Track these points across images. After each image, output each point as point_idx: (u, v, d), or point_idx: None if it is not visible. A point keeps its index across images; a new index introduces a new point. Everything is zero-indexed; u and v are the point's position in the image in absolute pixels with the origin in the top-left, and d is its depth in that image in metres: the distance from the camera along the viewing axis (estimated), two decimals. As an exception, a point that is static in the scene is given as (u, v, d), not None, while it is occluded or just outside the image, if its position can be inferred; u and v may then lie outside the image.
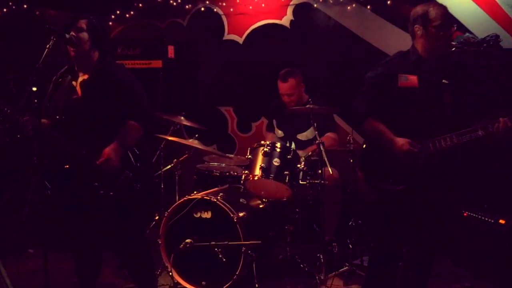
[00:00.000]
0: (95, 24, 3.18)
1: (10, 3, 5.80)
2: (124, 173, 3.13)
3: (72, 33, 3.10)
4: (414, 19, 3.04)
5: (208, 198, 3.79)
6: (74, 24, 3.13)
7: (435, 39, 2.97)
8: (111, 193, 3.09)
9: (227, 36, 5.89)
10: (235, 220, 3.68)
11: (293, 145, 4.54)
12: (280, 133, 4.80)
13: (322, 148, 3.87)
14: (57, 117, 3.15)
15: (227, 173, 4.45)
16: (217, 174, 4.48)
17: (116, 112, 3.13)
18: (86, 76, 3.19)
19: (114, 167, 3.07)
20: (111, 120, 3.13)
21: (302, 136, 4.65)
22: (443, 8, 3.00)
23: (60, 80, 3.27)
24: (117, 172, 3.11)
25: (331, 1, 5.37)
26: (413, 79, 2.97)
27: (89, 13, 3.24)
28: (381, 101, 3.06)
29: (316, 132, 3.99)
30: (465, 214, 4.19)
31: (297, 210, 4.27)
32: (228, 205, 3.76)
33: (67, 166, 3.10)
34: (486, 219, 3.99)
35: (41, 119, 2.93)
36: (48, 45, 2.88)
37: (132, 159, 3.20)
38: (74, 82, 3.20)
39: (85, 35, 3.13)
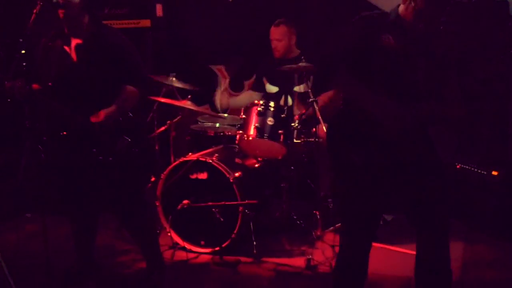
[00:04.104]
0: None
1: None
2: (121, 138, 3.12)
3: None
4: None
5: (204, 159, 3.80)
6: None
7: (419, 16, 2.74)
8: (110, 159, 3.09)
9: (216, -7, 5.76)
10: (231, 180, 3.71)
11: (289, 100, 4.53)
12: (273, 88, 4.74)
13: (316, 107, 3.86)
14: (50, 83, 3.11)
15: (221, 133, 4.44)
16: (211, 134, 4.49)
17: (112, 77, 3.10)
18: (79, 41, 3.12)
19: (110, 131, 3.06)
20: (108, 85, 3.10)
21: (299, 88, 4.58)
22: None
23: (50, 44, 3.21)
24: (115, 137, 3.10)
25: (324, -47, 5.24)
26: (391, 39, 2.77)
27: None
28: (359, 56, 2.84)
29: (309, 90, 3.97)
30: (457, 167, 4.26)
31: (292, 168, 4.30)
32: (224, 166, 3.78)
33: (64, 133, 3.08)
34: (479, 171, 4.05)
35: (31, 83, 2.90)
36: (35, 10, 2.82)
37: (129, 123, 3.18)
38: (66, 47, 3.13)
39: None
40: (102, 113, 3.04)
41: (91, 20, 3.16)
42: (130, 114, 3.21)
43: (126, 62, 3.16)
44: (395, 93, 2.82)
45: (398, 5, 2.94)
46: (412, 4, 2.78)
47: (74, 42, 3.14)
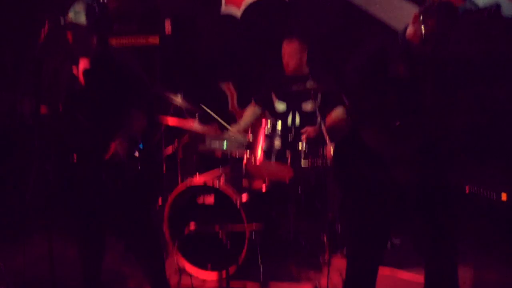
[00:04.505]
0: (93, 8, 3.09)
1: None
2: (131, 164, 3.12)
3: (68, 17, 3.02)
4: (422, 7, 2.80)
5: (211, 184, 3.79)
6: (72, 6, 3.06)
7: (426, 40, 2.75)
8: (119, 186, 3.09)
9: (224, 9, 5.76)
10: (238, 205, 3.69)
11: (297, 119, 4.50)
12: (281, 107, 4.70)
13: (323, 128, 3.84)
14: (60, 107, 3.11)
15: (229, 154, 4.42)
16: (219, 155, 4.47)
17: (120, 101, 3.10)
18: (87, 63, 3.12)
19: (121, 160, 3.06)
20: (115, 109, 3.10)
21: (307, 106, 4.55)
22: (447, 13, 2.75)
23: (58, 66, 3.21)
24: (125, 163, 3.10)
25: (331, -28, 5.23)
26: (399, 66, 2.79)
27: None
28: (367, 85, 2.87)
29: (317, 110, 3.95)
30: (467, 190, 4.20)
31: (299, 190, 4.27)
32: (230, 189, 3.77)
33: (74, 158, 3.09)
34: (488, 194, 4.00)
35: (40, 106, 2.90)
36: (43, 31, 2.82)
37: (138, 148, 3.18)
38: (75, 70, 3.14)
39: (81, 19, 3.04)
40: (113, 146, 3.04)
41: (99, 42, 3.16)
42: (140, 139, 3.21)
43: (133, 85, 3.16)
44: (404, 118, 2.81)
45: (405, 29, 2.92)
46: (421, 26, 2.77)
47: (82, 64, 3.14)
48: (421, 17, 2.75)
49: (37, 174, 3.24)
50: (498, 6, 4.38)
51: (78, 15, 3.02)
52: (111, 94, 3.10)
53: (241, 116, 5.40)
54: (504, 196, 3.94)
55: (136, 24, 5.57)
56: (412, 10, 3.09)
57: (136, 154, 3.18)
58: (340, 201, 4.16)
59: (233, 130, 4.53)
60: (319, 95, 4.39)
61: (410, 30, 2.86)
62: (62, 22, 2.97)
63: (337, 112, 4.34)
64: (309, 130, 4.18)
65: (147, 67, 3.35)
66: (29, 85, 2.88)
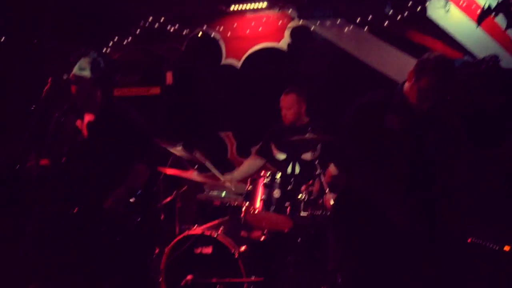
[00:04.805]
0: (99, 62, 3.14)
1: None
2: (131, 217, 3.10)
3: (73, 73, 3.08)
4: (417, 62, 2.85)
5: (209, 233, 3.75)
6: (78, 61, 3.12)
7: (423, 97, 2.81)
8: (118, 238, 3.06)
9: (225, 61, 5.88)
10: (237, 256, 3.64)
11: (297, 168, 4.50)
12: (281, 156, 4.73)
13: (322, 179, 3.82)
14: (63, 160, 3.12)
15: (227, 204, 4.41)
16: (217, 204, 4.45)
17: (123, 154, 3.11)
18: (91, 117, 3.16)
19: (120, 213, 3.05)
20: (118, 162, 3.11)
21: (307, 156, 4.55)
22: (443, 71, 2.79)
23: (62, 119, 3.24)
24: (125, 216, 3.08)
25: (328, 24, 5.36)
26: (395, 121, 2.82)
27: (86, 41, 3.22)
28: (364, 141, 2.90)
29: (316, 162, 3.94)
30: (469, 241, 4.14)
31: (299, 240, 4.21)
32: (229, 240, 3.73)
33: (75, 210, 3.07)
34: (491, 245, 3.93)
35: (40, 159, 2.92)
36: (46, 87, 2.88)
37: (138, 201, 3.17)
38: (78, 123, 3.17)
39: (86, 73, 3.09)
40: (111, 199, 3.04)
41: (103, 95, 3.19)
42: (140, 191, 3.21)
43: (137, 139, 3.18)
44: (402, 174, 2.79)
45: (403, 83, 2.95)
46: (416, 84, 2.79)
47: (87, 117, 3.17)
48: (416, 76, 2.78)
49: (35, 225, 3.23)
50: (496, 58, 4.45)
51: (83, 69, 3.08)
52: (114, 147, 3.12)
53: (239, 164, 5.43)
54: (507, 248, 3.88)
55: (138, 75, 5.68)
56: (408, 60, 3.14)
57: (132, 199, 3.16)
58: (340, 251, 4.10)
59: (226, 179, 4.52)
60: (318, 146, 4.41)
61: (406, 86, 2.89)
62: (65, 77, 3.03)
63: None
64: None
65: (148, 117, 3.39)
66: (32, 138, 2.91)
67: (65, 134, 3.20)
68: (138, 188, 3.20)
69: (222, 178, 4.46)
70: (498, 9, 4.22)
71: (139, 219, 3.15)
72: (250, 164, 4.84)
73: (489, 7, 4.17)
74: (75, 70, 3.09)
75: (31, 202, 3.14)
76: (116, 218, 3.08)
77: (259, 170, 4.62)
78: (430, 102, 2.84)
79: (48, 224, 3.25)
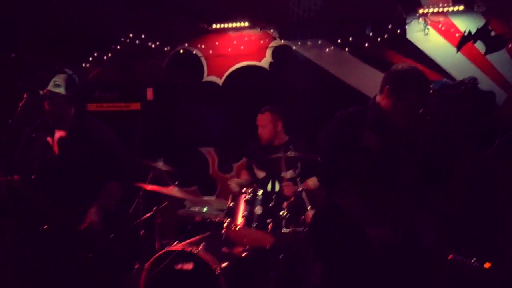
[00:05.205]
0: (74, 79, 3.12)
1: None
2: (104, 234, 3.04)
3: (48, 88, 3.04)
4: (390, 76, 2.82)
5: (189, 249, 3.70)
6: (52, 78, 3.08)
7: (398, 113, 2.77)
8: (90, 255, 2.99)
9: (206, 78, 5.90)
10: (218, 272, 3.59)
11: (277, 186, 4.50)
12: (261, 174, 4.74)
13: (304, 196, 3.83)
14: (32, 176, 3.06)
15: (209, 219, 4.37)
16: (199, 220, 4.40)
17: (94, 171, 3.07)
18: (63, 133, 3.11)
19: (96, 231, 2.99)
20: (90, 179, 3.06)
21: (286, 175, 4.58)
22: (425, 84, 2.78)
23: (33, 135, 3.18)
24: (97, 233, 3.03)
25: (310, 44, 5.43)
26: (371, 136, 2.74)
27: (65, 56, 3.19)
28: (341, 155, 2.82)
29: (298, 179, 3.95)
30: (449, 257, 4.17)
31: (280, 257, 4.19)
32: (210, 256, 3.68)
33: (46, 227, 3.00)
34: (471, 263, 3.96)
35: (13, 176, 2.85)
36: (21, 103, 2.83)
37: (111, 217, 3.12)
38: (49, 139, 3.12)
39: (61, 90, 3.07)
40: (87, 218, 2.98)
41: (76, 113, 3.16)
42: (113, 208, 3.16)
43: (109, 156, 3.14)
44: (378, 187, 2.79)
45: (374, 98, 2.93)
46: (400, 100, 2.79)
47: (58, 134, 3.13)
48: (395, 91, 2.76)
49: (9, 243, 3.14)
50: (475, 80, 4.55)
51: (57, 86, 3.05)
52: (85, 165, 3.07)
53: (221, 180, 5.39)
54: (487, 265, 3.91)
55: (118, 91, 5.63)
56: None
57: (110, 223, 3.11)
58: (321, 267, 4.08)
59: (233, 181, 4.61)
60: (299, 164, 4.42)
61: (384, 103, 2.86)
62: (41, 93, 2.99)
63: (313, 180, 4.39)
64: (285, 186, 4.16)
65: (128, 133, 3.35)
66: (4, 153, 2.85)
67: (35, 150, 3.14)
68: (111, 206, 3.15)
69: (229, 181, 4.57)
70: (477, 35, 4.34)
71: (112, 235, 3.09)
72: (247, 175, 4.87)
73: (469, 33, 4.29)
74: (50, 86, 3.05)
75: (4, 219, 3.07)
76: (89, 236, 3.01)
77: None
78: (404, 120, 2.84)
79: (20, 242, 3.17)
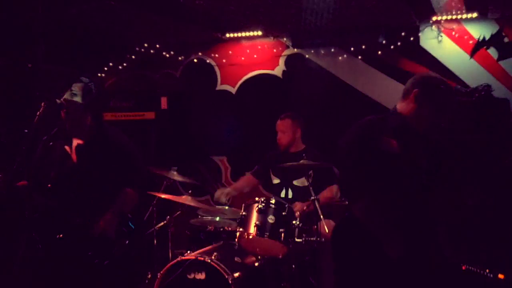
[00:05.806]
0: (91, 88, 3.17)
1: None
2: (119, 241, 3.07)
3: (64, 97, 3.09)
4: (419, 80, 2.85)
5: (202, 258, 3.71)
6: (69, 87, 3.13)
7: (424, 118, 2.81)
8: (106, 262, 3.03)
9: (220, 87, 5.93)
10: (230, 281, 3.60)
11: (290, 193, 4.50)
12: (276, 180, 4.74)
13: (317, 205, 3.82)
14: (49, 185, 3.11)
15: (221, 229, 4.38)
16: (211, 229, 4.42)
17: (112, 179, 3.10)
18: (80, 141, 3.16)
19: (110, 238, 3.02)
20: (107, 186, 3.10)
21: (298, 182, 4.60)
22: (452, 89, 2.86)
23: (51, 143, 3.24)
24: (113, 240, 3.06)
25: (323, 52, 5.43)
26: (392, 142, 2.78)
27: (82, 66, 3.24)
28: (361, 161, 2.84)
29: (311, 188, 3.94)
30: (463, 268, 4.13)
31: (293, 267, 4.18)
32: (222, 265, 3.68)
33: (61, 235, 3.04)
34: (485, 273, 3.92)
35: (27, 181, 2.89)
36: (38, 112, 2.88)
37: (127, 224, 3.15)
38: (67, 147, 3.17)
39: (78, 99, 3.12)
40: (101, 224, 3.02)
41: (93, 121, 3.21)
42: (129, 215, 3.19)
43: (126, 163, 3.18)
44: (399, 193, 2.79)
45: (395, 107, 2.95)
46: (424, 107, 2.80)
47: (75, 142, 3.17)
48: (425, 94, 2.79)
49: (25, 249, 3.18)
50: (489, 87, 4.51)
51: (74, 95, 3.10)
52: (103, 172, 3.11)
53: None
54: (501, 276, 3.86)
55: (133, 100, 5.69)
56: (396, 86, 3.17)
57: (125, 229, 3.15)
58: (335, 277, 4.07)
59: (220, 192, 4.55)
60: (311, 172, 4.42)
61: (408, 108, 2.88)
62: (59, 101, 3.04)
63: (329, 190, 4.38)
64: (298, 205, 4.18)
65: (143, 142, 3.39)
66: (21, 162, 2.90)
67: (53, 158, 3.18)
68: (127, 213, 3.18)
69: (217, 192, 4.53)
70: (491, 42, 4.31)
71: (127, 242, 3.12)
72: (245, 181, 4.88)
73: (483, 39, 4.25)
74: (67, 95, 3.10)
75: (19, 226, 3.12)
76: (105, 243, 3.05)
77: (253, 189, 4.76)
78: (427, 128, 2.85)
79: (36, 250, 3.21)
